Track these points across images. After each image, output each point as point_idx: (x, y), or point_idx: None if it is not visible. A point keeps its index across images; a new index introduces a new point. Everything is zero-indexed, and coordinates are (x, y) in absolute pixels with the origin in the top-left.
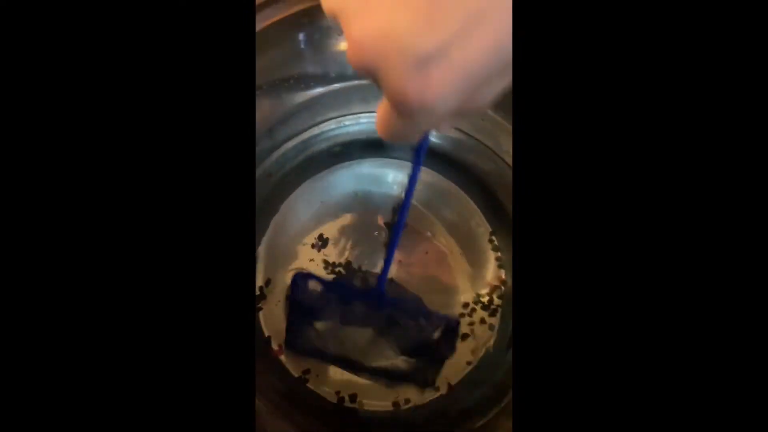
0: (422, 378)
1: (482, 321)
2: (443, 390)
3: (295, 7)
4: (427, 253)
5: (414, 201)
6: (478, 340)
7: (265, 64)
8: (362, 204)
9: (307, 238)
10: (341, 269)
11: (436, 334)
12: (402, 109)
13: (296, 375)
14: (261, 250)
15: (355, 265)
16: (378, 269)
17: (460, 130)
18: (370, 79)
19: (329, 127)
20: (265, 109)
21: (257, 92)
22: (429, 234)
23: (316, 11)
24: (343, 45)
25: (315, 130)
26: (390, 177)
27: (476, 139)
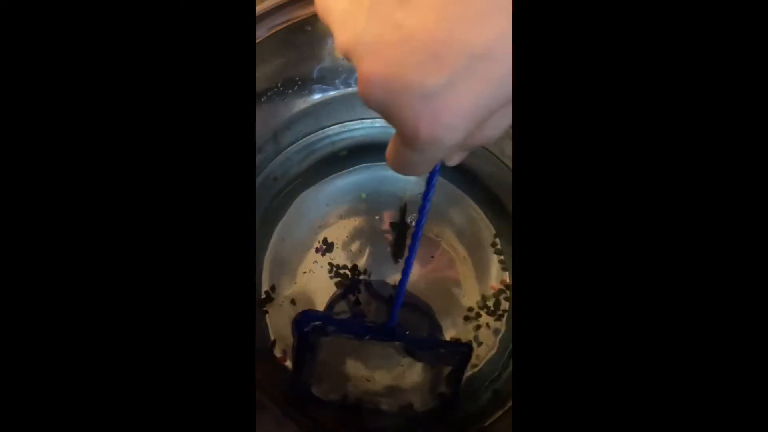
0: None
1: (487, 326)
2: (448, 396)
3: (300, 12)
4: (432, 257)
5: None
6: (483, 345)
7: (269, 70)
8: (368, 208)
9: (313, 242)
10: (347, 272)
11: (447, 360)
12: (411, 142)
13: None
14: (267, 255)
15: (360, 269)
16: (383, 273)
17: None
18: (381, 116)
19: (334, 131)
20: (269, 114)
21: (262, 98)
22: (434, 239)
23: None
24: None
25: (320, 135)
26: (395, 181)
27: None
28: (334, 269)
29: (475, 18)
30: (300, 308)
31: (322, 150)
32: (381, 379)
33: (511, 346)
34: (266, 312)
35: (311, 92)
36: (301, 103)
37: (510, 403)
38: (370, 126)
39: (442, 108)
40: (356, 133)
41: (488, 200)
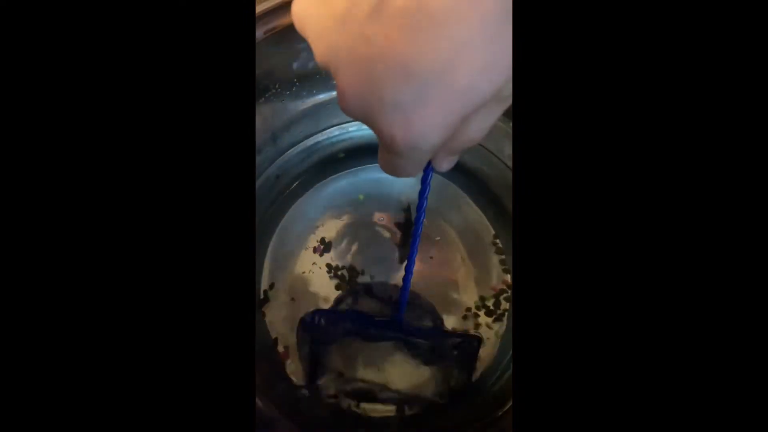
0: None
1: (487, 326)
2: (448, 396)
3: None
4: (432, 258)
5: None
6: (485, 346)
7: (268, 71)
8: (366, 209)
9: (312, 242)
10: (344, 273)
11: (457, 352)
12: (390, 149)
13: (301, 378)
14: (266, 256)
15: (358, 269)
16: (382, 274)
17: None
18: (365, 123)
19: (333, 133)
20: (268, 115)
21: (260, 99)
22: (434, 239)
23: None
24: None
25: (318, 137)
26: (393, 182)
27: (479, 144)
28: (333, 270)
29: (440, 31)
30: (299, 308)
31: (320, 152)
32: (390, 376)
33: (510, 346)
34: (265, 311)
35: (309, 94)
36: (299, 105)
37: (509, 404)
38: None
39: (413, 117)
40: (354, 135)
41: (488, 200)
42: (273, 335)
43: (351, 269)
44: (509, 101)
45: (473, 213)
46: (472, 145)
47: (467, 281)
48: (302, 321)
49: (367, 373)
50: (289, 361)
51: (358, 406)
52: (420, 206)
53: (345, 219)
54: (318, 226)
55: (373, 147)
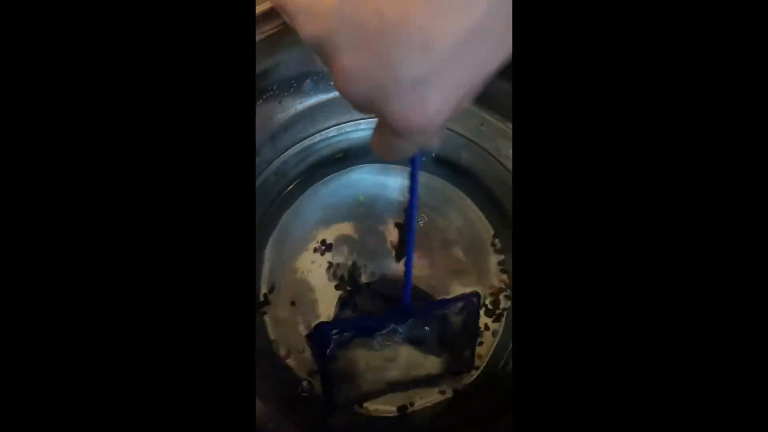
0: (461, 365)
1: (486, 327)
2: (448, 395)
3: None
4: (431, 257)
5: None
6: (483, 345)
7: (266, 72)
8: (365, 209)
9: (311, 243)
10: (345, 273)
11: (461, 317)
12: (401, 131)
13: (302, 378)
14: (266, 256)
15: (358, 270)
16: (381, 272)
17: (462, 135)
18: (362, 107)
19: (331, 133)
20: (267, 116)
21: (259, 100)
22: (433, 238)
23: None
24: None
25: (317, 137)
26: (391, 181)
27: (477, 144)
28: (333, 269)
29: (462, 3)
30: (299, 309)
31: (319, 152)
32: (401, 371)
33: (509, 345)
34: (265, 313)
35: (307, 95)
36: (298, 106)
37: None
38: (366, 128)
39: (431, 94)
40: (353, 135)
41: (486, 200)
42: (273, 337)
43: (351, 270)
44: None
45: (472, 213)
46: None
47: (466, 281)
48: (309, 336)
49: (378, 373)
50: (289, 362)
51: (360, 405)
52: (412, 201)
53: (344, 220)
54: (317, 227)
55: (368, 147)
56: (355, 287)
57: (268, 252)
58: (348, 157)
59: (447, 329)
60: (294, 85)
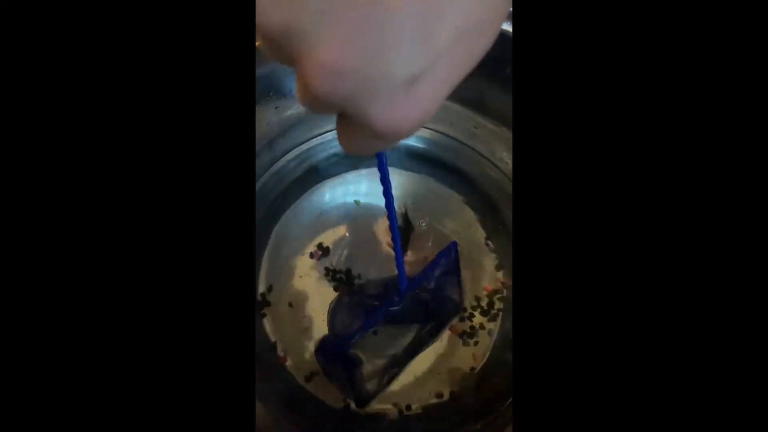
0: (451, 309)
1: (482, 326)
2: (446, 396)
3: None
4: (426, 257)
5: (413, 209)
6: (479, 346)
7: (264, 77)
8: (361, 213)
9: (308, 247)
10: (342, 276)
11: (443, 270)
12: (384, 132)
13: (300, 380)
14: (263, 260)
15: (355, 273)
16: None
17: (455, 139)
18: (329, 110)
19: (327, 138)
20: (264, 121)
21: (257, 105)
22: (428, 241)
23: None
24: None
25: (313, 142)
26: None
27: (470, 147)
28: (330, 273)
29: None
30: (297, 312)
31: (315, 157)
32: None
33: (506, 347)
34: (264, 315)
35: None
36: (294, 111)
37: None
38: None
39: (424, 91)
40: None
41: (480, 201)
42: (272, 339)
43: (348, 272)
44: None
45: (466, 214)
46: None
47: (463, 281)
48: (316, 352)
49: (390, 356)
50: (288, 362)
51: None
52: (386, 191)
53: (341, 222)
54: (314, 230)
55: None
56: (351, 288)
57: (266, 254)
58: (344, 161)
59: (434, 287)
60: (290, 90)
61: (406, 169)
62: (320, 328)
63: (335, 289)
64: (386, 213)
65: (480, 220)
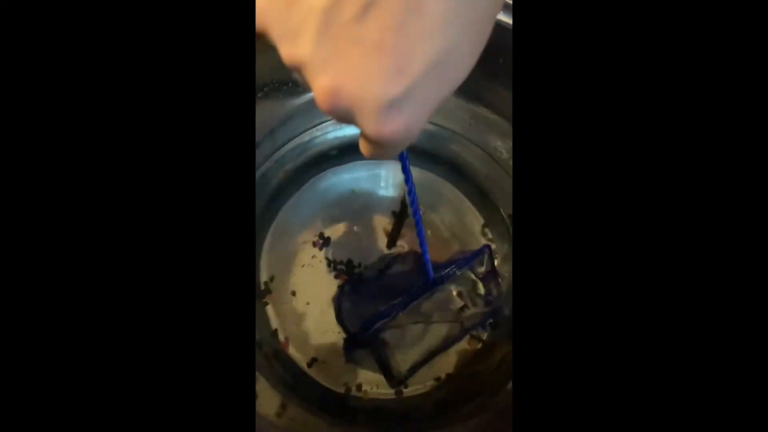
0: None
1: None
2: (443, 378)
3: None
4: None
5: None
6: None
7: (264, 68)
8: (360, 203)
9: (309, 236)
10: (342, 266)
11: (478, 269)
12: (379, 143)
13: (302, 366)
14: (264, 250)
15: (355, 262)
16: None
17: (450, 130)
18: (342, 121)
19: (327, 129)
20: (265, 112)
21: (259, 94)
22: (426, 231)
23: None
24: None
25: (314, 132)
26: (385, 176)
27: (466, 138)
28: (332, 263)
29: (431, 31)
30: (300, 299)
31: (315, 147)
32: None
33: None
34: (266, 303)
35: (305, 90)
36: (296, 101)
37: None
38: None
39: (405, 112)
40: (348, 132)
41: (476, 192)
42: (273, 326)
43: (348, 262)
44: None
45: (462, 204)
46: None
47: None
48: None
49: (420, 344)
50: (290, 348)
51: (359, 389)
52: (410, 191)
53: (341, 212)
54: (315, 220)
55: None
56: (351, 276)
57: (267, 244)
58: (344, 151)
59: (468, 283)
60: (291, 80)
61: (399, 160)
62: (322, 315)
63: (336, 277)
64: (391, 203)
65: (476, 209)
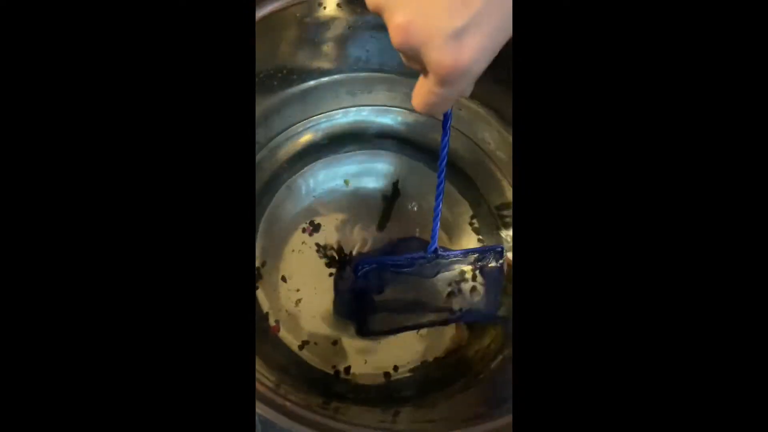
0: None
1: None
2: (430, 359)
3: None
4: (416, 236)
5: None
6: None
7: (259, 56)
8: (351, 192)
9: (301, 223)
10: (333, 252)
11: (486, 267)
12: (444, 78)
13: (294, 348)
14: (257, 236)
15: (346, 249)
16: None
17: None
18: (411, 59)
19: (320, 119)
20: (260, 100)
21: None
22: (414, 221)
23: (311, 4)
24: (331, 41)
25: (307, 123)
26: (377, 166)
27: (454, 128)
28: (322, 249)
29: None
30: (291, 285)
31: (308, 137)
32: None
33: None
34: (257, 287)
35: (299, 80)
36: (290, 90)
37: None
38: (356, 114)
39: (469, 43)
40: (341, 121)
41: (464, 182)
42: (265, 310)
43: (339, 249)
44: None
45: (450, 195)
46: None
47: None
48: (356, 270)
49: (407, 310)
50: (281, 332)
51: (347, 372)
52: (444, 140)
53: (332, 201)
54: (307, 207)
55: (358, 133)
56: (343, 263)
57: (260, 230)
58: (336, 142)
59: (473, 276)
60: (287, 69)
61: (390, 150)
62: (312, 300)
63: (327, 265)
64: (382, 191)
65: (464, 199)
